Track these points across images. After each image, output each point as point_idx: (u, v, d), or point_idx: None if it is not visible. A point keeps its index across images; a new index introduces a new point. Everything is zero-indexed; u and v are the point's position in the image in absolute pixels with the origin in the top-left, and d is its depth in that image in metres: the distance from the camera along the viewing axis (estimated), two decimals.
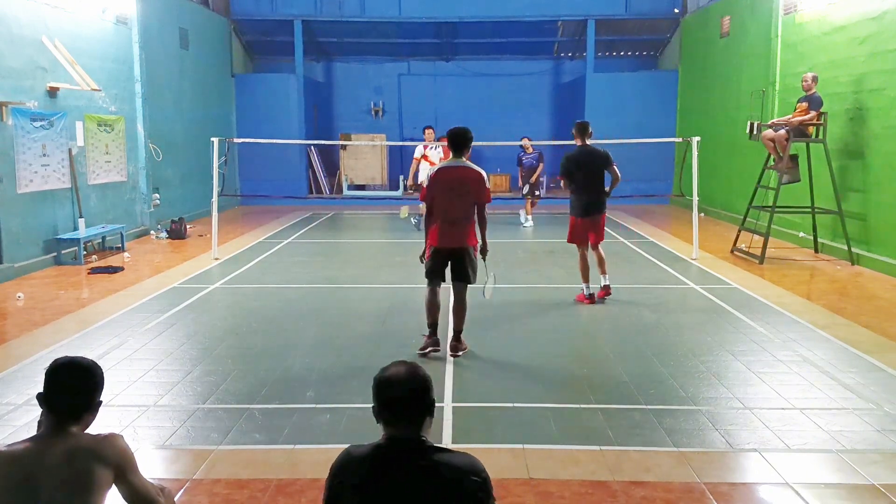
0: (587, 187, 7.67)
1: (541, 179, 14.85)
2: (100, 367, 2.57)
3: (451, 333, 6.12)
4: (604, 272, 7.89)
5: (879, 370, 5.62)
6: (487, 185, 5.90)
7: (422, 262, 6.09)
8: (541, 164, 14.24)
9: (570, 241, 7.95)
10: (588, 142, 7.75)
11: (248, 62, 19.88)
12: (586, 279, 7.81)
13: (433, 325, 6.01)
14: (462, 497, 2.14)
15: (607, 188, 7.78)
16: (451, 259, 5.93)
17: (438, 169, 5.98)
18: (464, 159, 5.92)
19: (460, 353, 5.99)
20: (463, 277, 5.94)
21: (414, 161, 13.14)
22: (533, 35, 19.77)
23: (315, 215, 16.03)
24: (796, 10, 11.88)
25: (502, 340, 6.54)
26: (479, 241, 6.04)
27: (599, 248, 7.90)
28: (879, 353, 6.00)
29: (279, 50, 19.28)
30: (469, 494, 2.15)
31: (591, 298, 7.74)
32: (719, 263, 10.05)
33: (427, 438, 2.26)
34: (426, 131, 12.97)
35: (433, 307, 5.99)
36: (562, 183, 8.01)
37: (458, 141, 5.88)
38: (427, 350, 5.95)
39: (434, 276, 5.99)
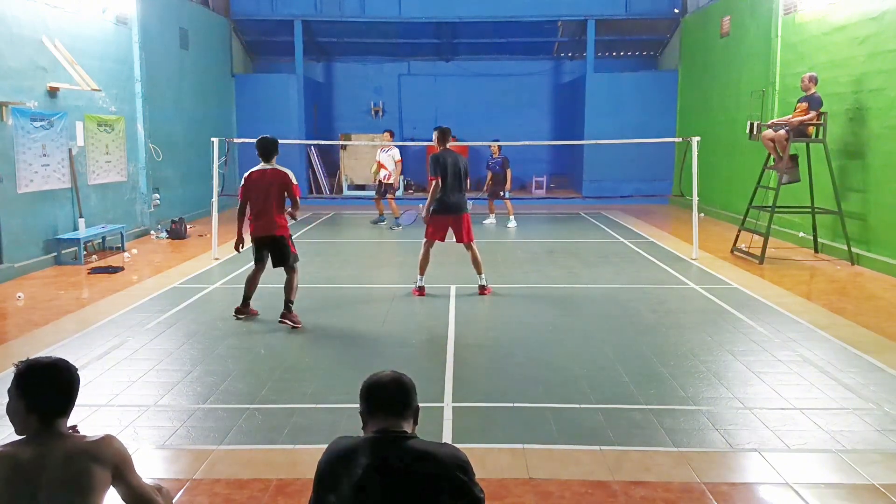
0: (451, 188, 8.07)
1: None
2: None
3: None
4: (479, 272, 8.25)
5: (879, 370, 5.62)
6: (294, 181, 6.93)
7: (237, 251, 7.28)
8: (507, 171, 13.93)
9: (427, 236, 8.27)
10: (448, 146, 8.20)
11: (249, 62, 19.88)
12: (422, 272, 8.23)
13: (247, 297, 7.16)
14: (446, 479, 2.31)
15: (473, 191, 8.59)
16: (269, 245, 6.99)
17: (252, 172, 6.93)
18: (273, 163, 6.92)
19: (288, 322, 6.74)
20: (283, 261, 6.98)
21: (376, 163, 14.21)
22: (533, 35, 19.77)
23: (315, 215, 16.03)
24: (796, 10, 11.88)
25: (502, 340, 6.53)
26: (289, 221, 7.04)
27: (473, 246, 8.23)
28: (879, 353, 6.00)
29: (279, 50, 19.29)
30: (453, 477, 2.32)
31: (420, 291, 8.15)
32: (719, 263, 10.05)
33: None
34: (385, 134, 14.41)
35: (251, 283, 7.16)
36: (430, 181, 8.24)
37: (270, 148, 6.95)
38: (241, 316, 7.12)
39: (256, 261, 7.14)
